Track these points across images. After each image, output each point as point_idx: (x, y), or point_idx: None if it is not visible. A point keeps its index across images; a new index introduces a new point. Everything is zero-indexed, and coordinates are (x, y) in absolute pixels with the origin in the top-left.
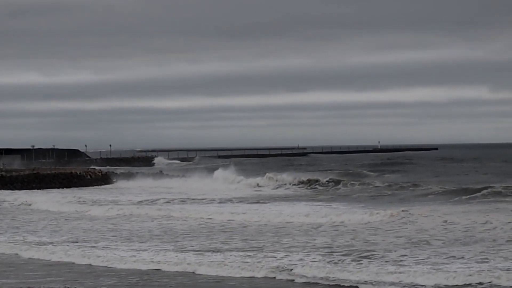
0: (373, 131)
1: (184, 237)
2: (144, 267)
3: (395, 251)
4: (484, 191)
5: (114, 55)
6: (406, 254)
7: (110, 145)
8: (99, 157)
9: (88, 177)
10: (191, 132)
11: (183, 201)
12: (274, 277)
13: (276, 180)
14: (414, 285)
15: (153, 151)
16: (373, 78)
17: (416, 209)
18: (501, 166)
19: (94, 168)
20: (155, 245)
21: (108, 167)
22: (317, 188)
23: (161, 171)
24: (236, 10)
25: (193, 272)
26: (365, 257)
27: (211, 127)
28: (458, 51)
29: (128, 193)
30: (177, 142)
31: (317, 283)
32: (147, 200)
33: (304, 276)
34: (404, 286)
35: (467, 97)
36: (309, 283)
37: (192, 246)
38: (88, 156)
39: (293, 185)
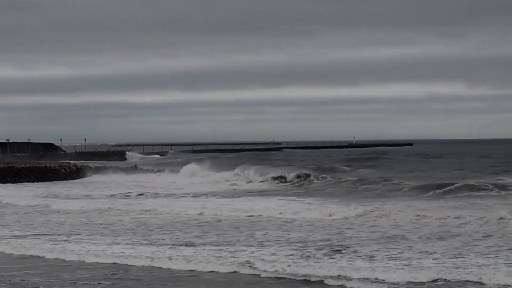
0: (348, 126)
1: (158, 231)
2: (118, 261)
3: (368, 245)
4: (457, 185)
5: (90, 50)
6: (379, 249)
7: (85, 140)
8: (74, 151)
9: (63, 171)
10: (166, 126)
11: (156, 195)
12: (243, 272)
13: (249, 175)
14: (382, 281)
15: (127, 145)
16: (350, 74)
17: (390, 204)
18: (475, 161)
19: (69, 162)
20: (129, 239)
21: (82, 161)
22: (291, 182)
23: (135, 166)
24: (213, 5)
25: (168, 268)
26: (338, 251)
27: (186, 122)
28: (434, 47)
29: (103, 187)
30: (152, 137)
31: (284, 278)
32: (120, 194)
33: (275, 271)
34: (373, 282)
35: (443, 93)
36: (276, 277)
37: (165, 239)
38: (63, 150)
39: (267, 179)
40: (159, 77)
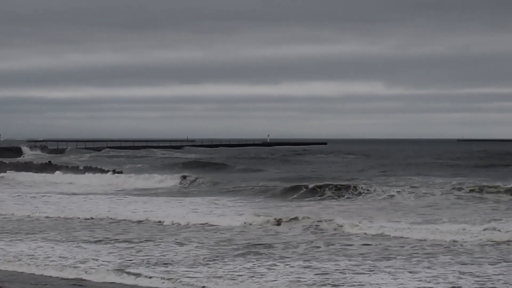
0: (264, 124)
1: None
2: None
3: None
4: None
5: (6, 44)
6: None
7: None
8: None
9: None
10: (83, 122)
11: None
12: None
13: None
14: None
15: (42, 141)
16: (268, 72)
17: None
18: (374, 161)
19: None
20: None
21: None
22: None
23: (31, 162)
24: (132, 1)
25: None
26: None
27: (103, 118)
28: (354, 46)
29: None
30: (68, 132)
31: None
32: None
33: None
34: None
35: (361, 92)
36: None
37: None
38: None
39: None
40: (77, 72)
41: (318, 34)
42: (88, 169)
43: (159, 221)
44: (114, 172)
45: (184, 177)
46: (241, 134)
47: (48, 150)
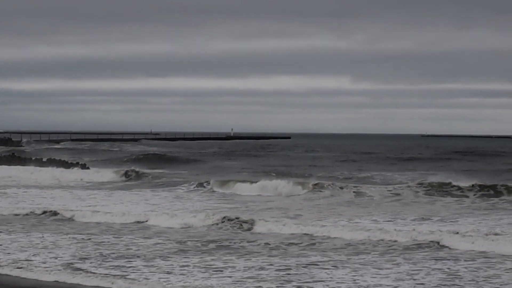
0: (230, 118)
1: None
2: None
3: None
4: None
5: None
6: None
7: None
8: None
9: None
10: (48, 114)
11: None
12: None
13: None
14: None
15: (5, 132)
16: (235, 66)
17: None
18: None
19: None
20: None
21: None
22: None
23: None
24: None
25: None
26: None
27: (69, 110)
28: (322, 41)
29: None
30: (34, 125)
31: None
32: None
33: None
34: None
35: (327, 87)
36: None
37: None
38: None
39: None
40: (43, 64)
41: (286, 29)
42: (31, 161)
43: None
44: (76, 164)
45: (126, 172)
46: (207, 127)
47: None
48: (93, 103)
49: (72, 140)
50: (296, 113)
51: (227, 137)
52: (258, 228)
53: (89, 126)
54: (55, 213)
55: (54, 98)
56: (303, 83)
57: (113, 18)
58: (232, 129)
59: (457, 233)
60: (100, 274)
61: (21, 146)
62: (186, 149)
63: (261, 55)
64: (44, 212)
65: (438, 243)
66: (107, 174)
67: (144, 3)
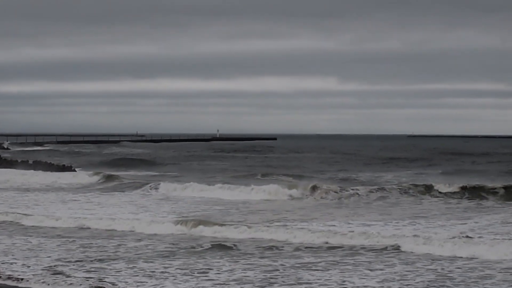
0: (216, 119)
1: None
2: None
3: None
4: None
5: None
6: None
7: None
8: None
9: None
10: (34, 117)
11: None
12: None
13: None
14: None
15: None
16: (222, 67)
17: None
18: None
19: None
20: None
21: None
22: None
23: None
24: None
25: None
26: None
27: (55, 113)
28: (309, 41)
29: None
30: (19, 127)
31: None
32: None
33: None
34: None
35: (314, 88)
36: None
37: None
38: None
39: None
40: (29, 66)
41: (273, 29)
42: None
43: None
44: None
45: (98, 174)
46: (194, 129)
47: None
48: (80, 105)
49: (58, 142)
50: (283, 114)
51: (213, 138)
52: None
53: (76, 128)
54: None
55: (40, 100)
56: (290, 84)
57: (99, 20)
58: (218, 130)
59: (417, 236)
60: None
61: (3, 148)
62: (166, 151)
63: (248, 56)
64: None
65: (397, 247)
66: (86, 178)
67: (130, 4)
